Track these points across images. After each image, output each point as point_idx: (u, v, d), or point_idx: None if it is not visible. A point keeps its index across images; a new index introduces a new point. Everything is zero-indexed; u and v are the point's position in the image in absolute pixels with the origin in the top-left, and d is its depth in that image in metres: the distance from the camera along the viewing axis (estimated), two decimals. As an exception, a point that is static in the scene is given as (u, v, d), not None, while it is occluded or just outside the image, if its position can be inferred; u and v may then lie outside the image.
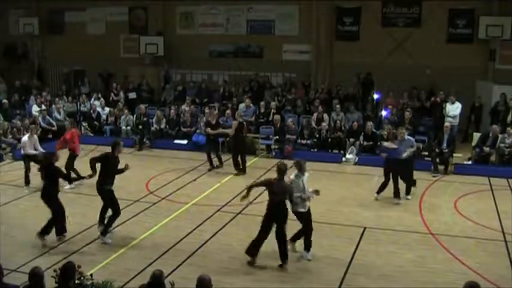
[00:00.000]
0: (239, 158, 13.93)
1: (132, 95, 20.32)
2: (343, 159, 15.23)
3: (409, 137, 11.88)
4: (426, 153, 14.68)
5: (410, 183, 11.86)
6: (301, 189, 8.41)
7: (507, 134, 14.32)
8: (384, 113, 16.63)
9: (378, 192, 11.69)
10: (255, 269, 8.28)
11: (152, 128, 17.19)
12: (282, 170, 8.41)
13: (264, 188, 8.64)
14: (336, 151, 15.66)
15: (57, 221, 9.12)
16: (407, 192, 11.77)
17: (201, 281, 5.51)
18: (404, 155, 11.38)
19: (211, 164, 14.29)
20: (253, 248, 8.41)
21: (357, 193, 12.26)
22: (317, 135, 16.07)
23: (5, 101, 18.59)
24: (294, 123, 16.45)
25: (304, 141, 16.10)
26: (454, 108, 16.15)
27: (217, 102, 19.19)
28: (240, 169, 13.89)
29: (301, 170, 8.63)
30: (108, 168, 9.33)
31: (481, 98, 17.38)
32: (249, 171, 14.09)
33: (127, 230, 9.78)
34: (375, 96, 18.01)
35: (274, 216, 8.30)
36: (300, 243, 8.83)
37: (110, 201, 9.34)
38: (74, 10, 23.50)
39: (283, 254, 8.32)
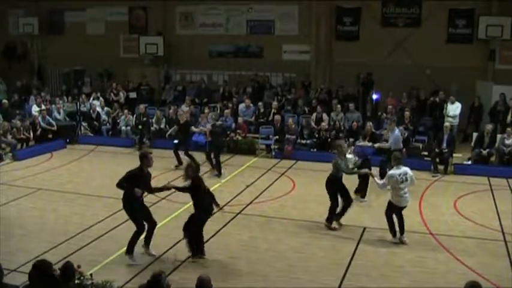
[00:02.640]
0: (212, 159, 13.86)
1: (133, 95, 20.35)
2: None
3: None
4: (426, 153, 14.68)
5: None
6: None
7: (507, 134, 14.32)
8: (374, 96, 16.65)
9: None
10: (255, 268, 8.28)
11: (152, 128, 17.19)
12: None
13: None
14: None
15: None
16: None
17: (200, 281, 5.51)
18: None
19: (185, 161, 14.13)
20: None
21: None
22: (317, 135, 16.07)
23: (5, 101, 18.58)
24: (294, 123, 16.45)
25: (304, 141, 16.10)
26: (454, 108, 16.15)
27: (219, 102, 19.20)
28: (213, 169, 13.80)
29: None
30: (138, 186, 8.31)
31: (480, 97, 17.38)
32: (248, 171, 14.11)
33: (127, 229, 9.75)
34: (374, 96, 18.02)
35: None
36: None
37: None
38: (74, 10, 23.52)
39: None
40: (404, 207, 9.21)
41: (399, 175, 8.98)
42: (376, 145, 12.73)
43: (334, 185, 9.88)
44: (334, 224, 9.95)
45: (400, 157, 9.38)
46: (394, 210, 9.22)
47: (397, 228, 9.33)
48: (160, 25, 22.31)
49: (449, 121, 15.49)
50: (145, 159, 8.36)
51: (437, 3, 18.75)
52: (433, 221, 10.40)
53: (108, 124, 18.19)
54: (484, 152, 14.35)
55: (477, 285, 5.27)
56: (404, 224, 9.24)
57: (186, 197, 11.74)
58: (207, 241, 9.17)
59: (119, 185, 8.36)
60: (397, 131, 12.56)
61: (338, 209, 9.95)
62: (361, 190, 11.73)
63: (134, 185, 8.21)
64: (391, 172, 9.17)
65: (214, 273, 7.61)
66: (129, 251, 8.43)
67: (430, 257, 8.73)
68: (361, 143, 13.11)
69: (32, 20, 23.57)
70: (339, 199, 9.94)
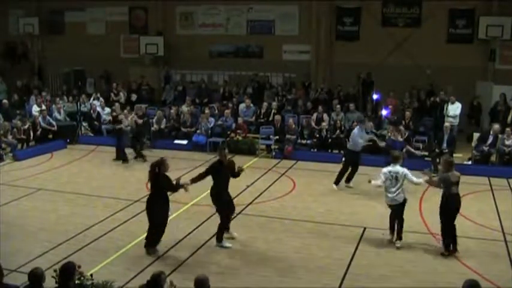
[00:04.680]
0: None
1: (134, 97, 20.36)
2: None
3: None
4: (426, 153, 14.67)
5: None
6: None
7: (506, 134, 14.32)
8: (384, 112, 16.66)
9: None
10: (255, 268, 8.28)
11: (152, 128, 17.19)
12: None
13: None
14: (336, 151, 15.66)
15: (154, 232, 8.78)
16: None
17: (198, 282, 5.51)
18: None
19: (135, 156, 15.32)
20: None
21: (357, 193, 12.26)
22: (317, 135, 16.07)
23: (5, 101, 18.58)
24: (294, 123, 16.46)
25: (304, 141, 16.10)
26: (454, 108, 16.14)
27: (217, 102, 19.21)
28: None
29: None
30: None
31: (479, 97, 17.34)
32: (249, 171, 14.10)
33: (127, 230, 9.78)
34: (374, 96, 18.02)
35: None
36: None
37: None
38: (74, 10, 23.54)
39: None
40: (389, 205, 9.13)
41: (389, 172, 8.98)
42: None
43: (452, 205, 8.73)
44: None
45: (397, 156, 9.34)
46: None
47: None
48: (160, 25, 22.32)
49: (450, 121, 15.47)
50: (222, 152, 9.08)
51: (437, 3, 18.75)
52: (433, 221, 10.35)
53: (109, 123, 18.13)
54: (486, 148, 14.30)
55: (475, 284, 5.28)
56: (402, 230, 9.07)
57: (186, 197, 11.78)
58: (207, 241, 9.20)
59: (202, 176, 8.92)
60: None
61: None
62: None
63: (217, 176, 8.93)
64: (383, 169, 9.22)
65: (213, 273, 7.62)
66: (220, 239, 8.98)
67: (430, 257, 8.73)
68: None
69: (32, 20, 23.56)
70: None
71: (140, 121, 16.09)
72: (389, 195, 9.04)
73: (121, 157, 15.03)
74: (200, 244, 9.10)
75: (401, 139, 13.66)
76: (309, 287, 7.79)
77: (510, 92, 16.76)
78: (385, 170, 9.11)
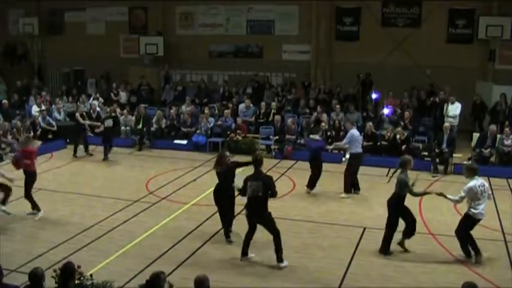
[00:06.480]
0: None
1: (133, 99, 20.34)
2: (343, 159, 15.20)
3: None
4: (426, 153, 14.68)
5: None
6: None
7: (505, 134, 14.32)
8: (385, 111, 16.63)
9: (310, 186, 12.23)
10: (255, 268, 8.28)
11: (152, 128, 17.19)
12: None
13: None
14: (335, 151, 15.64)
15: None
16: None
17: (198, 282, 5.51)
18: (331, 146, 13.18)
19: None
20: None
21: (357, 193, 12.26)
22: (316, 136, 16.05)
23: (5, 101, 18.57)
24: (294, 123, 16.45)
25: (304, 142, 16.08)
26: (454, 108, 16.13)
27: (217, 102, 19.21)
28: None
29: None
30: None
31: (481, 95, 17.28)
32: (249, 171, 14.08)
33: (127, 230, 9.78)
34: (373, 96, 18.02)
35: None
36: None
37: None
38: (74, 10, 23.50)
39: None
40: (480, 219, 8.58)
41: (479, 186, 8.41)
42: (332, 146, 13.25)
43: (398, 206, 8.83)
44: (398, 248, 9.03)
45: (475, 168, 8.71)
46: (470, 223, 8.56)
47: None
48: (160, 25, 22.31)
49: (449, 121, 15.46)
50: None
51: (437, 3, 18.75)
52: (433, 221, 10.40)
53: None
54: (486, 152, 14.31)
55: (473, 286, 5.31)
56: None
57: (186, 197, 11.77)
58: (207, 241, 9.20)
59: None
60: (353, 131, 12.14)
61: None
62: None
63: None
64: (470, 185, 8.38)
65: (214, 273, 7.61)
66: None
67: (430, 257, 8.74)
68: (312, 136, 13.27)
69: (32, 20, 23.53)
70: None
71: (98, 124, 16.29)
72: (482, 207, 8.50)
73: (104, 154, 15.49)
74: (200, 244, 9.11)
75: (319, 138, 12.88)
76: (309, 287, 7.80)
77: (510, 92, 16.75)
78: (472, 185, 8.40)
